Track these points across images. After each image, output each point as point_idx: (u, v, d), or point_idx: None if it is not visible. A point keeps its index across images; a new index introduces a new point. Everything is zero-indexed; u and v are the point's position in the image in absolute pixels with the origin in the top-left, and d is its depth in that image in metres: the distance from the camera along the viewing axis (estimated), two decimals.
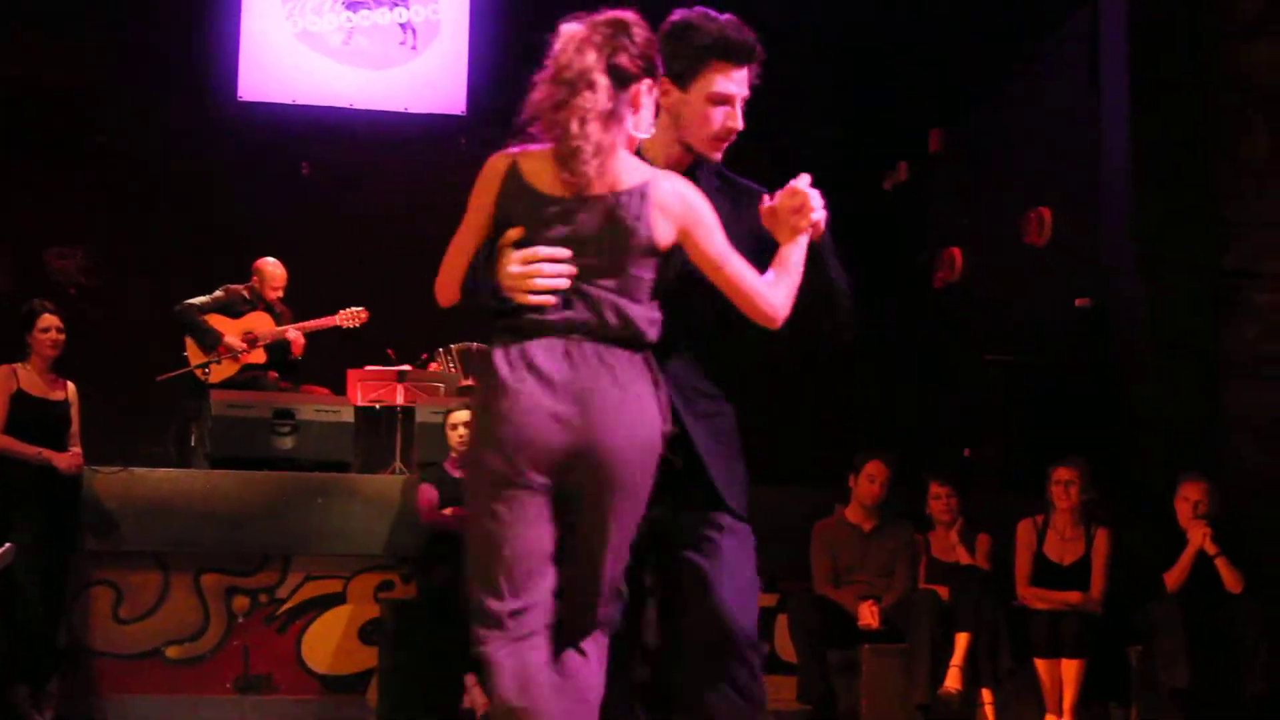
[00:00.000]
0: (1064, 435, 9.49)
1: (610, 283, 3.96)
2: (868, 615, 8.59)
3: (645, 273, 3.98)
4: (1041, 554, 8.76)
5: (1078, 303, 10.29)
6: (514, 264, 3.97)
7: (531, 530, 3.96)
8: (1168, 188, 9.73)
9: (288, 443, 9.34)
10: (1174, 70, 9.83)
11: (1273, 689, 8.29)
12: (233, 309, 10.39)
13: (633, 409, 3.91)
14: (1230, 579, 8.48)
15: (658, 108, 4.11)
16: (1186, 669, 8.26)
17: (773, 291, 4.02)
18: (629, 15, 4.02)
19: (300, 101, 12.65)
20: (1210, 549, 8.51)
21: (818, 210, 4.12)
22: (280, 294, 10.53)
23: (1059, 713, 8.39)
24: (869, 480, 8.88)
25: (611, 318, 3.95)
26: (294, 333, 10.36)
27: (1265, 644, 8.33)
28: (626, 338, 3.96)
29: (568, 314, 3.95)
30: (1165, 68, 9.83)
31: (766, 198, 4.18)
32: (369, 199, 12.38)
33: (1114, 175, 9.96)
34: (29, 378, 8.42)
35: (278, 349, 10.42)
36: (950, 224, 12.57)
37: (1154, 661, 8.44)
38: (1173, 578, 8.57)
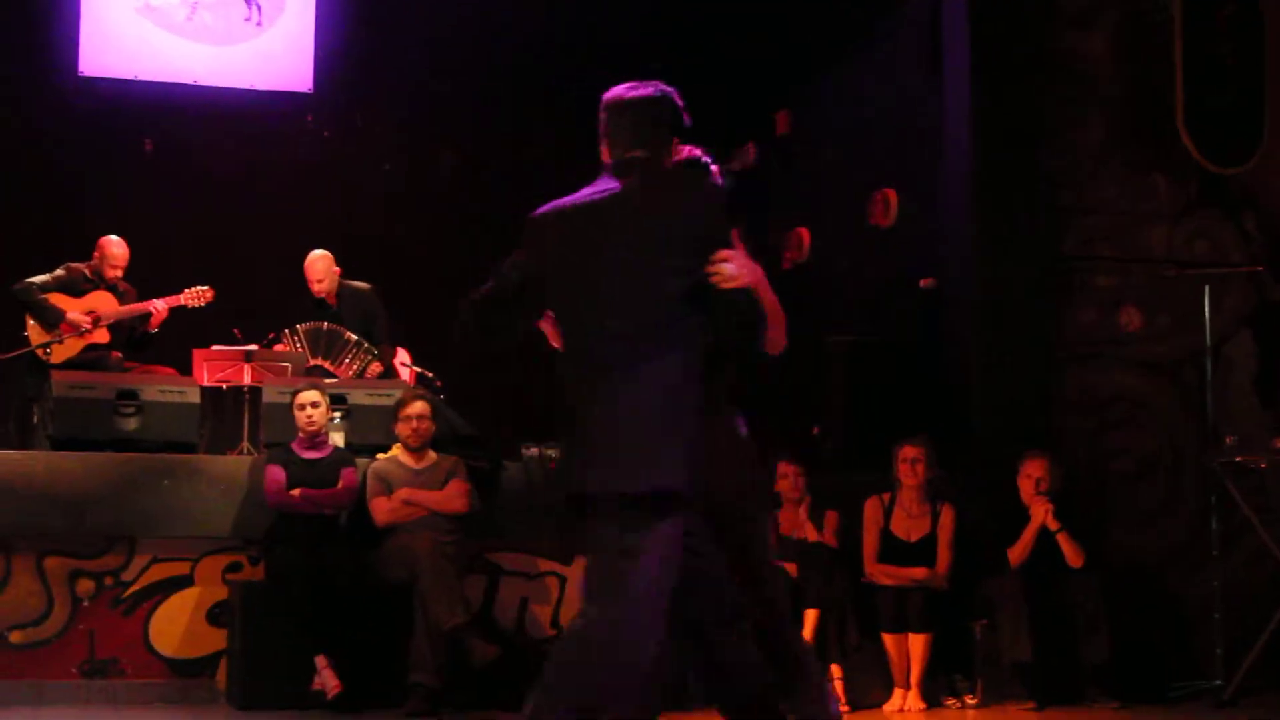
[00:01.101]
0: (908, 414, 9.63)
1: None
2: None
3: None
4: (888, 531, 8.89)
5: (922, 283, 10.44)
6: None
7: None
8: (1007, 173, 9.92)
9: (132, 424, 9.20)
10: (1013, 58, 10.01)
11: (1112, 660, 8.50)
12: (74, 288, 10.21)
13: None
14: (1071, 554, 8.68)
15: None
16: (1029, 642, 8.46)
17: None
18: None
19: (143, 77, 12.45)
20: (1052, 525, 8.70)
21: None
22: (122, 273, 10.37)
23: (906, 686, 8.53)
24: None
25: None
26: (159, 304, 10.21)
27: (1104, 618, 8.55)
28: None
29: None
30: (1005, 55, 10.00)
31: None
32: (214, 177, 12.22)
33: (954, 159, 10.12)
34: None
35: (122, 328, 10.27)
36: (798, 204, 12.69)
37: (998, 635, 8.62)
38: (1015, 553, 8.76)
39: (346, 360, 10.32)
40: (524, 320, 4.78)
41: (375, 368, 10.31)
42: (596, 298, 4.52)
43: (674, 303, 4.45)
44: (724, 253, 4.46)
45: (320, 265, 10.63)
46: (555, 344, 4.79)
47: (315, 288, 10.62)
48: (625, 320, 4.46)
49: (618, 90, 4.80)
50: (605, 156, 4.75)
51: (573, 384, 4.55)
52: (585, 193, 4.70)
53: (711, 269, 4.43)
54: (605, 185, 4.67)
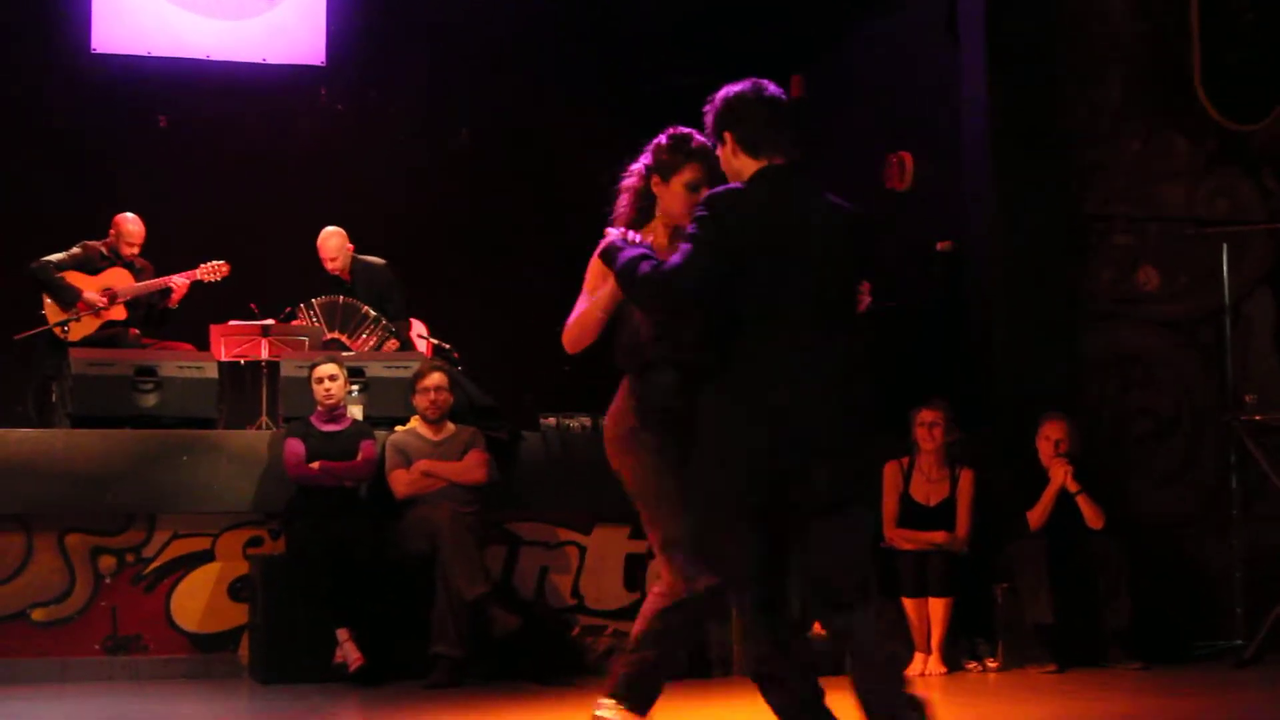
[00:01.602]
0: (927, 378, 9.61)
1: None
2: None
3: None
4: (907, 495, 8.89)
5: (939, 246, 10.41)
6: None
7: None
8: (1026, 133, 9.87)
9: (150, 400, 9.21)
10: (1030, 17, 9.95)
11: (1132, 622, 8.49)
12: (90, 266, 10.24)
13: None
14: (1091, 516, 8.66)
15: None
16: (1050, 605, 8.44)
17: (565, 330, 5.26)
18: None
19: (156, 53, 12.43)
20: (1071, 487, 8.68)
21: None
22: (138, 250, 10.40)
23: (927, 650, 8.53)
24: None
25: None
26: (179, 279, 10.23)
27: (1125, 579, 8.54)
28: None
29: None
30: (1023, 13, 9.94)
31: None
32: (228, 151, 12.22)
33: (973, 120, 10.07)
34: None
35: (139, 305, 10.30)
36: (813, 169, 12.62)
37: (1019, 598, 8.60)
38: (1035, 516, 8.74)
39: (364, 335, 10.32)
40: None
41: (392, 344, 10.32)
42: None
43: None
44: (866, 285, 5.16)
45: (333, 243, 10.64)
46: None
47: (329, 265, 10.64)
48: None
49: (749, 87, 5.07)
50: (743, 152, 5.00)
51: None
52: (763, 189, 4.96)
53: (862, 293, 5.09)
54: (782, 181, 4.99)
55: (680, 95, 11.33)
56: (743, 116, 5.01)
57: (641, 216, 5.33)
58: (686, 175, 5.25)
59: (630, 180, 5.38)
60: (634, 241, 5.02)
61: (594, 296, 5.18)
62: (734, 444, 4.78)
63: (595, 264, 5.23)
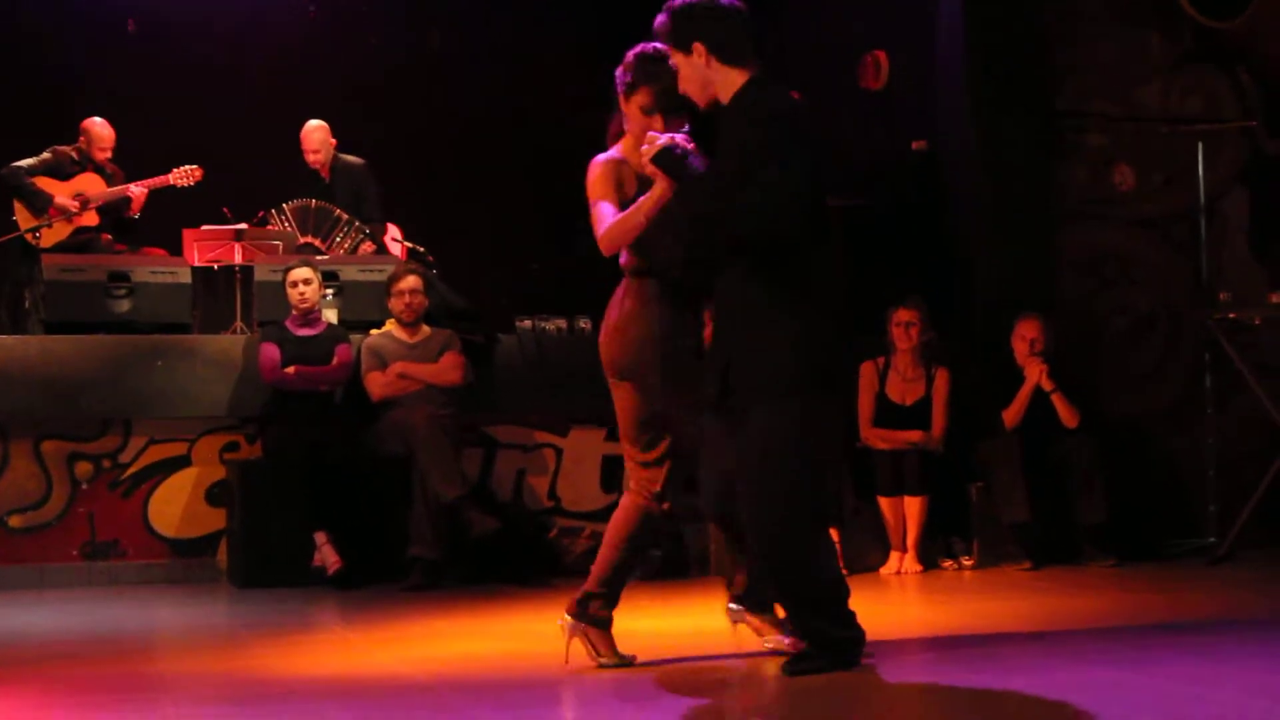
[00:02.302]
0: (902, 278, 9.61)
1: None
2: None
3: None
4: (883, 395, 8.91)
5: (914, 145, 10.37)
6: None
7: None
8: (1000, 32, 9.80)
9: (124, 305, 9.18)
10: None
11: (1107, 520, 8.55)
12: (61, 171, 10.17)
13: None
14: (1066, 414, 8.70)
15: None
16: (1025, 503, 8.49)
17: (601, 234, 5.32)
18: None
19: None
20: (1046, 385, 8.71)
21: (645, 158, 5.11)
22: (109, 154, 10.33)
23: (903, 549, 8.58)
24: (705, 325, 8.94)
25: None
26: (136, 189, 10.18)
27: (1099, 477, 8.58)
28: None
29: None
30: None
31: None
32: (199, 55, 12.08)
33: (947, 18, 10.00)
34: None
35: (110, 210, 10.24)
36: (787, 68, 12.56)
37: (994, 497, 8.65)
38: (1010, 415, 8.77)
39: (338, 239, 10.27)
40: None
41: (367, 246, 10.27)
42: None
43: None
44: None
45: (316, 136, 10.58)
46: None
47: (310, 158, 10.57)
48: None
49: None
50: (721, 62, 5.03)
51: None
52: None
53: None
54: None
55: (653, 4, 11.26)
56: (714, 25, 4.99)
57: (613, 137, 5.54)
58: (641, 98, 5.34)
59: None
60: (687, 149, 5.05)
61: (635, 202, 5.24)
62: (807, 337, 5.01)
63: (604, 171, 5.37)
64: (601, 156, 5.45)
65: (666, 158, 5.00)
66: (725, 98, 5.06)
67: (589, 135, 12.49)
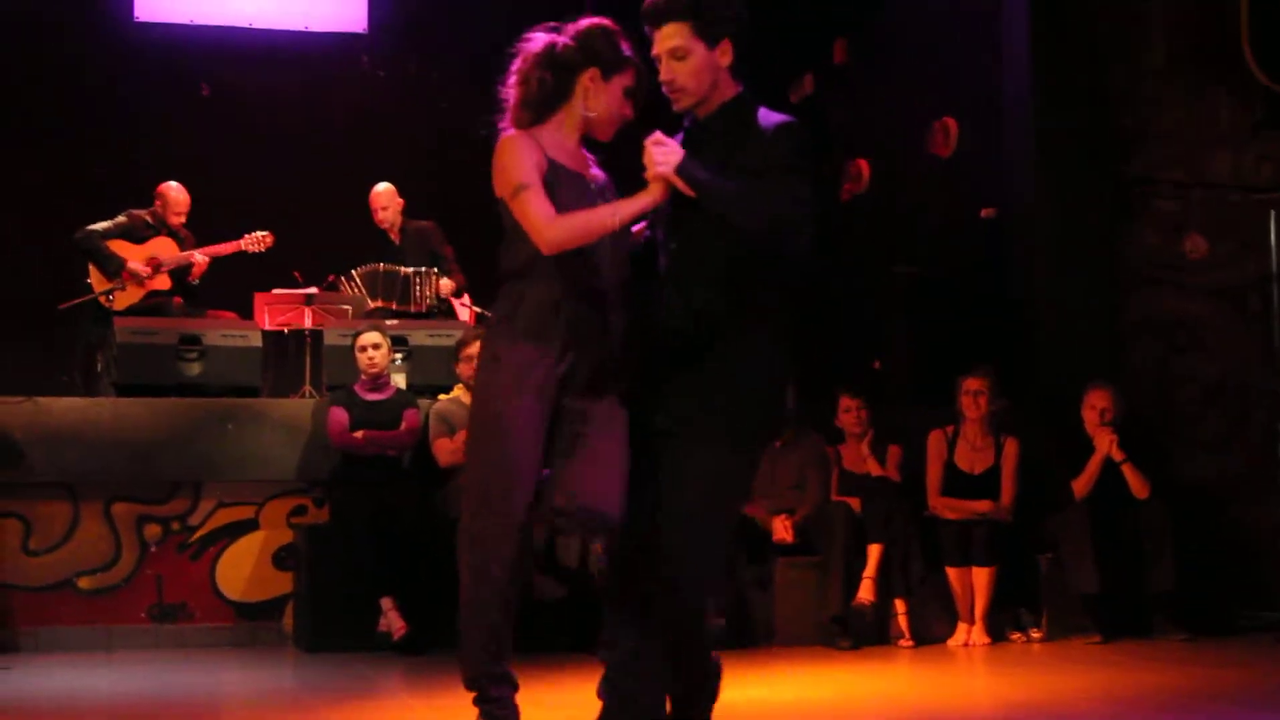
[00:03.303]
0: (971, 345, 9.58)
1: None
2: (781, 529, 8.67)
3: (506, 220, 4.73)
4: (952, 464, 8.85)
5: (983, 213, 10.36)
6: None
7: None
8: (1069, 97, 9.79)
9: (195, 368, 9.27)
10: None
11: (1178, 592, 8.45)
12: (135, 234, 10.28)
13: None
14: (1136, 485, 8.62)
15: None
16: (1095, 574, 8.41)
17: (550, 226, 4.55)
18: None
19: (198, 21, 12.46)
20: (1116, 455, 8.64)
21: (656, 164, 4.48)
22: (183, 219, 10.44)
23: (970, 620, 8.51)
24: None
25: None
26: (199, 255, 10.29)
27: (1170, 548, 8.49)
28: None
29: None
30: None
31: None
32: (271, 120, 12.24)
33: (1014, 84, 10.00)
34: None
35: (183, 274, 10.34)
36: (856, 136, 12.59)
37: (1063, 568, 8.58)
38: (1080, 485, 8.70)
39: (416, 293, 10.31)
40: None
41: (445, 283, 10.31)
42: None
43: None
44: None
45: (384, 195, 10.67)
46: None
47: (379, 215, 10.64)
48: None
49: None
50: (730, 71, 4.66)
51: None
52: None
53: None
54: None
55: None
56: (744, 30, 4.63)
57: (546, 111, 4.76)
58: (628, 79, 4.77)
59: (532, 67, 4.76)
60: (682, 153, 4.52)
61: (616, 209, 4.57)
62: (777, 384, 4.72)
63: (524, 147, 4.65)
64: (515, 131, 4.72)
65: (692, 174, 4.47)
66: (714, 103, 4.65)
67: None
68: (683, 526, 4.54)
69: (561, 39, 4.74)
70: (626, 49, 4.73)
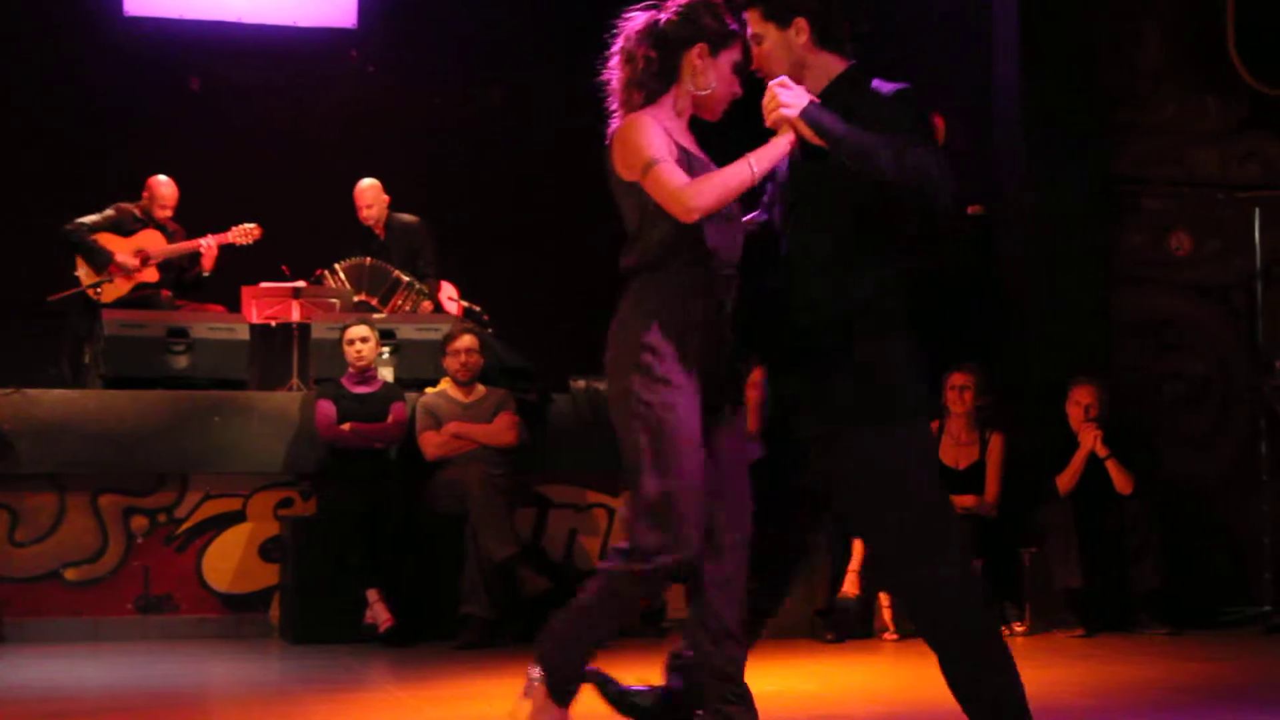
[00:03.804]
0: (957, 341, 9.59)
1: None
2: None
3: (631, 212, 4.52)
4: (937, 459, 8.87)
5: (970, 209, 10.37)
6: None
7: None
8: (1058, 95, 9.80)
9: (182, 361, 9.28)
10: None
11: (1161, 587, 8.49)
12: (123, 228, 10.28)
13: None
14: (1120, 481, 8.65)
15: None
16: (1078, 569, 8.44)
17: (689, 190, 4.29)
18: None
19: (188, 16, 12.44)
20: (1101, 451, 8.67)
21: (780, 107, 4.28)
22: (170, 212, 10.44)
23: None
24: (754, 387, 8.92)
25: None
26: (208, 241, 10.27)
27: (1153, 543, 8.52)
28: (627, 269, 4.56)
29: None
30: None
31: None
32: (259, 114, 12.24)
33: (1005, 81, 10.02)
34: None
35: (171, 267, 10.34)
36: None
37: (1047, 562, 8.60)
38: (1064, 480, 8.73)
39: (399, 302, 10.33)
40: None
41: (426, 306, 10.33)
42: None
43: None
44: None
45: (369, 192, 10.67)
46: None
47: (363, 214, 10.65)
48: None
49: None
50: (821, 46, 4.47)
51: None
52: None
53: None
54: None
55: None
56: (817, 5, 4.43)
57: (659, 89, 4.53)
58: (736, 54, 4.53)
59: (635, 46, 4.54)
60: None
61: (747, 158, 4.35)
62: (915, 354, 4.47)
63: (651, 124, 4.42)
64: (637, 112, 4.48)
65: (819, 119, 4.25)
66: (817, 87, 4.42)
67: None
68: (904, 527, 4.36)
69: (664, 14, 4.52)
70: (731, 22, 4.53)
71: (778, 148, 4.34)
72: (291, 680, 7.41)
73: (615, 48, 4.58)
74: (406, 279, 10.37)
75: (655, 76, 4.49)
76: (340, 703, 6.58)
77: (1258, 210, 9.37)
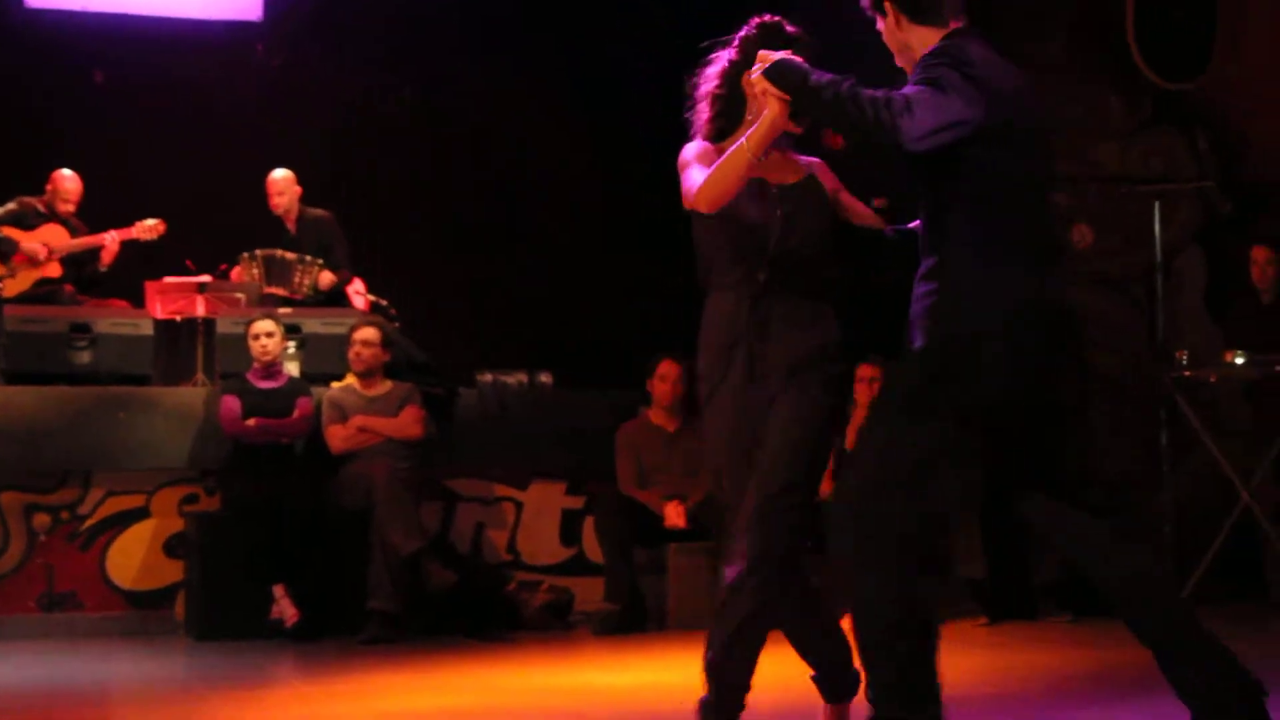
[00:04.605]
0: (865, 335, 9.65)
1: None
2: (674, 515, 8.72)
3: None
4: (843, 449, 8.92)
5: (875, 203, 10.42)
6: None
7: None
8: None
9: (85, 357, 9.21)
10: None
11: (1063, 575, 8.58)
12: (25, 221, 10.17)
13: None
14: None
15: None
16: (981, 559, 8.51)
17: (698, 184, 4.43)
18: None
19: (91, 8, 12.30)
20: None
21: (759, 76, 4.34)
22: (75, 207, 10.34)
23: None
24: (661, 380, 8.99)
25: None
26: (111, 236, 10.16)
27: None
28: None
29: None
30: None
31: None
32: (164, 108, 12.11)
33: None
34: None
35: (74, 262, 10.24)
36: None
37: (950, 553, 8.68)
38: None
39: (296, 279, 10.26)
40: None
41: (326, 276, 10.26)
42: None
43: None
44: None
45: (281, 181, 10.59)
46: None
47: (274, 200, 10.54)
48: None
49: None
50: (911, 20, 4.49)
51: None
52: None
53: None
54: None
55: (619, 52, 11.32)
56: None
57: (727, 124, 4.63)
58: None
59: (709, 86, 4.68)
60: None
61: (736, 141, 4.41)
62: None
63: (703, 150, 4.56)
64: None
65: (785, 71, 4.28)
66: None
67: (553, 189, 12.54)
68: None
69: (729, 51, 4.67)
70: (780, 34, 4.66)
71: (763, 124, 4.36)
72: (196, 677, 7.37)
73: (696, 92, 4.73)
74: (297, 256, 10.28)
75: (726, 111, 4.65)
76: (246, 699, 6.56)
77: (1158, 204, 9.48)
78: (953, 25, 4.44)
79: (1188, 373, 9.00)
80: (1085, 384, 4.62)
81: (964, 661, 7.19)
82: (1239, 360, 8.79)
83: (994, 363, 4.23)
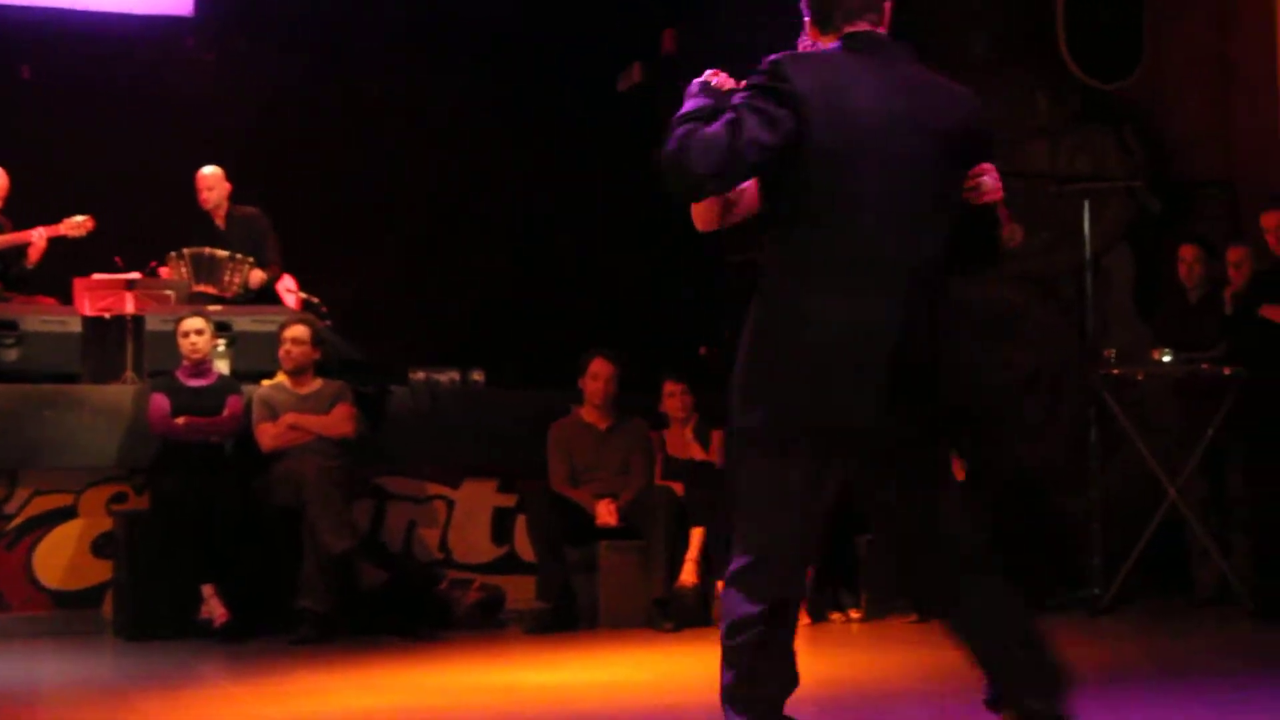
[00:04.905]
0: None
1: None
2: (605, 513, 8.72)
3: None
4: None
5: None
6: None
7: None
8: None
9: (12, 355, 9.11)
10: None
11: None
12: None
13: None
14: (954, 468, 8.77)
15: None
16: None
17: None
18: None
19: (17, 2, 12.20)
20: None
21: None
22: (1, 203, 10.24)
23: None
24: (593, 378, 9.00)
25: None
26: (39, 233, 10.06)
27: (987, 530, 8.65)
28: None
29: None
30: None
31: None
32: (93, 103, 12.01)
33: None
34: None
35: (0, 259, 10.14)
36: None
37: (881, 550, 8.71)
38: None
39: (226, 277, 10.20)
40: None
41: (256, 274, 10.21)
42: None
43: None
44: (986, 165, 4.31)
45: (211, 177, 10.52)
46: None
47: (203, 195, 10.47)
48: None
49: None
50: (815, 27, 4.32)
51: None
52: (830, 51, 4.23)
53: (972, 183, 4.31)
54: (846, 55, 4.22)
55: (551, 48, 11.29)
56: None
57: None
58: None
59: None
60: (725, 88, 4.19)
61: None
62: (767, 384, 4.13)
63: None
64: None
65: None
66: None
67: (483, 187, 12.51)
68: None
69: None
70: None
71: None
72: (125, 678, 7.32)
73: None
74: (228, 254, 10.22)
75: None
76: (174, 700, 6.53)
77: (1086, 203, 9.55)
78: (845, 30, 4.25)
79: (1116, 371, 9.07)
80: (933, 412, 4.36)
81: (894, 659, 7.29)
82: (1167, 358, 8.88)
83: (790, 390, 4.09)
